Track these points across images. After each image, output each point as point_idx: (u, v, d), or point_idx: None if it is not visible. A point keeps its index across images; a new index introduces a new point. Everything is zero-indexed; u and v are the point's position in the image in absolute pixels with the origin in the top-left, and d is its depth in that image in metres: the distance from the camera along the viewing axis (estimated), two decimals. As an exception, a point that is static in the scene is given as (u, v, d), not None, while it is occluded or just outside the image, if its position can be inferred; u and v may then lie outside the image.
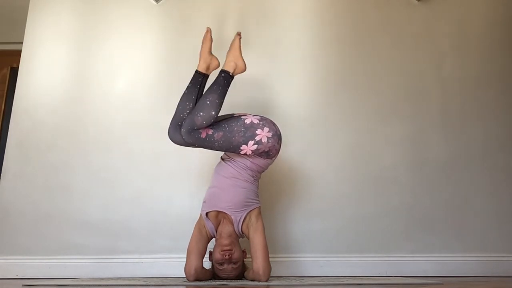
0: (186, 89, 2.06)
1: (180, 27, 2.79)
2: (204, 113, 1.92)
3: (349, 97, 2.70)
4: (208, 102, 1.93)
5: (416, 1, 2.87)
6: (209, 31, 2.15)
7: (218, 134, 1.93)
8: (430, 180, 2.58)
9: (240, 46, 2.12)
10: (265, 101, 2.64)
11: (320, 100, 2.69)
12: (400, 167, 2.60)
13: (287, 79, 2.72)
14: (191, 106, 2.01)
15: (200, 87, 2.07)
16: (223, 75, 2.04)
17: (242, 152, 1.97)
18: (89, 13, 2.80)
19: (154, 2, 2.82)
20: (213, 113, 1.93)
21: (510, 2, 2.90)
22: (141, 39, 2.76)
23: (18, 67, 2.71)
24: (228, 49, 2.15)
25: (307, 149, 2.60)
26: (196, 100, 2.03)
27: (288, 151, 2.55)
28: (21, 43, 2.74)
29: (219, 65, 2.14)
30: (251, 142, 1.94)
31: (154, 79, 2.70)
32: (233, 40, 2.15)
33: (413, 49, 2.79)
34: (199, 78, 2.08)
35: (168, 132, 2.02)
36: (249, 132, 1.94)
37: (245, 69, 2.11)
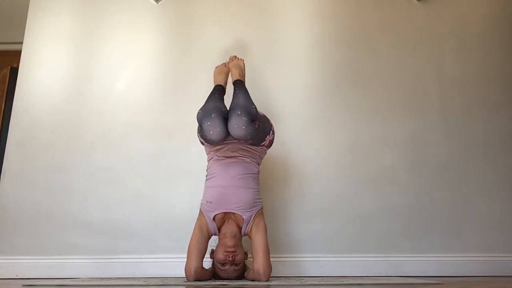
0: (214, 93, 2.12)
1: (180, 27, 2.79)
2: (254, 105, 1.95)
3: (349, 97, 2.70)
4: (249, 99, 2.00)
5: (416, 1, 2.87)
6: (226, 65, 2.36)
7: (257, 124, 1.96)
8: (430, 180, 2.58)
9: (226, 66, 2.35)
10: (265, 101, 2.63)
11: (320, 100, 2.69)
12: (400, 167, 2.60)
13: (287, 79, 2.71)
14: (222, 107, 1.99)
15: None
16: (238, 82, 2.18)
17: (263, 143, 2.08)
18: (89, 13, 2.80)
19: (154, 2, 2.81)
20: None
21: (509, 2, 2.90)
22: (141, 39, 2.76)
23: (18, 67, 2.71)
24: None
25: (306, 149, 2.60)
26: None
27: (288, 150, 2.55)
28: (21, 43, 2.74)
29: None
30: (271, 132, 2.11)
31: (154, 79, 2.70)
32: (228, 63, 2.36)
33: (413, 48, 2.79)
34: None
35: (209, 130, 1.89)
36: (267, 122, 2.10)
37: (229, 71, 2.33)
